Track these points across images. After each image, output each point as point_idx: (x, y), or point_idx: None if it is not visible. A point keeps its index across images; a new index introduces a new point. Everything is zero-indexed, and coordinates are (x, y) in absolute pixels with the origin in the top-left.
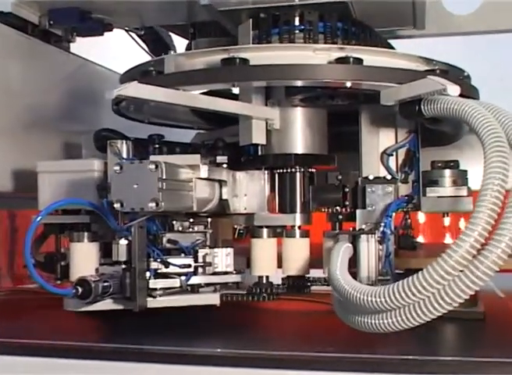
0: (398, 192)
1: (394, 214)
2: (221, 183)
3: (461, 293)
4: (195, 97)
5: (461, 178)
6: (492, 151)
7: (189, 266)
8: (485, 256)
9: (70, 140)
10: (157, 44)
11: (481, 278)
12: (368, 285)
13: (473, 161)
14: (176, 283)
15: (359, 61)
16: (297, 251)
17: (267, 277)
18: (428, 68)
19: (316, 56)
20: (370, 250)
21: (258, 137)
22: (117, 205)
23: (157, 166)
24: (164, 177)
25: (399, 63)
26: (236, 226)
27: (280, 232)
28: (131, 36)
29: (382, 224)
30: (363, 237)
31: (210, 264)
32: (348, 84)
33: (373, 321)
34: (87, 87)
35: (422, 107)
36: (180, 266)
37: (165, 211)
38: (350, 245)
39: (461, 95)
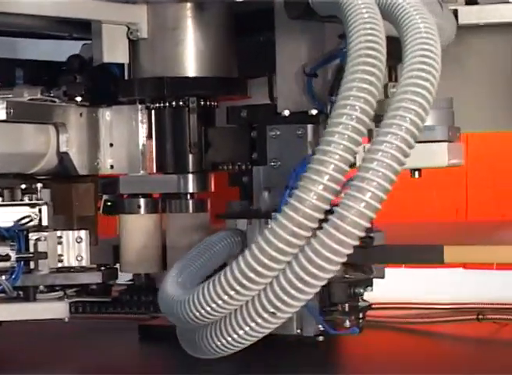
0: None
1: None
2: (57, 127)
3: (312, 278)
4: None
5: (437, 113)
6: (360, 54)
7: (7, 257)
8: (342, 216)
9: None
10: None
11: (336, 251)
12: None
13: (461, 85)
14: None
15: None
16: (190, 232)
17: (146, 277)
18: None
19: None
20: None
21: (114, 53)
22: None
23: None
24: None
25: None
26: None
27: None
28: None
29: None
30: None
31: (45, 255)
32: None
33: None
34: None
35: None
36: None
37: None
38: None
39: None
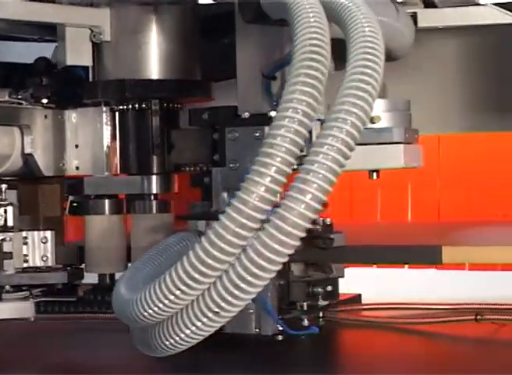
0: None
1: None
2: (22, 129)
3: (254, 278)
4: None
5: (394, 115)
6: (304, 58)
7: None
8: (283, 217)
9: None
10: None
11: (278, 251)
12: None
13: (420, 87)
14: None
15: None
16: (154, 233)
17: (111, 277)
18: None
19: None
20: None
21: (77, 56)
22: None
23: None
24: None
25: None
26: (68, 197)
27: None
28: None
29: None
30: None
31: (10, 255)
32: None
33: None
34: None
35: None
36: None
37: None
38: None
39: None
